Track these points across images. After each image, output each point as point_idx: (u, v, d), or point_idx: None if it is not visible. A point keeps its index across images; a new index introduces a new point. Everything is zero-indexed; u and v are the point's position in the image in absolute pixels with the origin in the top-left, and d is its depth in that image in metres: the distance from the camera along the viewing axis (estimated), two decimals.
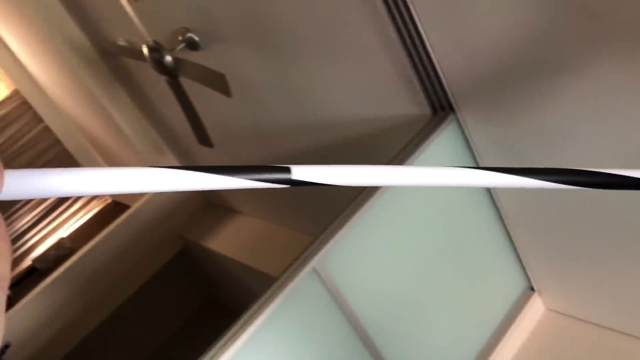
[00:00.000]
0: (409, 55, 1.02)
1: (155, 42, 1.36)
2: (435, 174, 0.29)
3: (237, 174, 0.26)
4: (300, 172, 0.27)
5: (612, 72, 0.81)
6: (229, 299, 2.18)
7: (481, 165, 1.19)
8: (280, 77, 1.33)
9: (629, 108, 0.84)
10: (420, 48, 1.00)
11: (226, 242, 1.98)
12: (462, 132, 1.11)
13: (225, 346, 0.89)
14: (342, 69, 1.17)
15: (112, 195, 3.03)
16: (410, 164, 1.05)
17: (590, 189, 0.37)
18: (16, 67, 2.60)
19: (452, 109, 1.08)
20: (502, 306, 1.34)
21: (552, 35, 0.83)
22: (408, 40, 1.00)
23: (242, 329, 0.91)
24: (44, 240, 2.99)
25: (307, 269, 0.96)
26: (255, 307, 0.93)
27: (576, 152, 0.97)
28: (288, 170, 0.27)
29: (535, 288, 1.36)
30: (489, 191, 1.22)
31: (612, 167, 0.37)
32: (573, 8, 0.78)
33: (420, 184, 0.29)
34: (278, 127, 1.51)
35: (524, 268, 1.34)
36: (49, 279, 2.00)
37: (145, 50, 1.38)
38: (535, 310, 1.37)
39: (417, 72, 1.04)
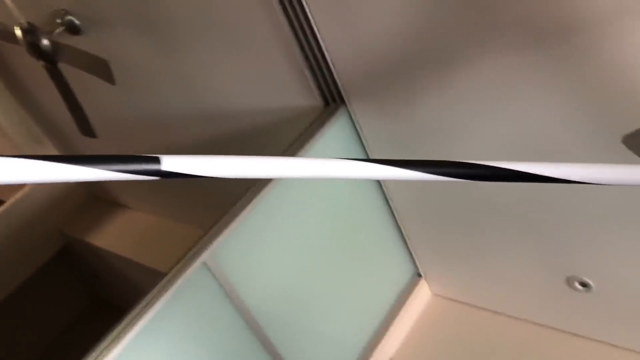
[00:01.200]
0: (301, 47, 1.02)
1: (29, 24, 1.26)
2: (310, 165, 0.29)
3: (99, 164, 0.23)
4: (172, 163, 0.25)
5: (498, 68, 0.85)
6: (118, 297, 2.08)
7: (371, 157, 1.21)
8: (171, 65, 1.28)
9: (512, 102, 0.89)
10: (312, 40, 1.00)
11: (112, 237, 1.88)
12: (353, 124, 1.13)
13: (109, 347, 0.85)
14: (235, 60, 1.15)
15: None
16: (302, 156, 1.05)
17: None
18: None
19: (343, 101, 1.09)
20: (391, 293, 1.39)
21: (440, 31, 0.86)
22: (300, 32, 1.00)
23: (127, 328, 0.86)
24: None
25: (198, 263, 0.93)
26: (141, 305, 0.89)
27: (463, 144, 1.01)
28: (157, 161, 0.25)
29: (422, 274, 1.42)
30: (379, 182, 1.25)
31: (498, 159, 0.38)
32: (461, 3, 0.81)
33: (296, 175, 0.28)
34: (170, 117, 1.46)
35: (412, 255, 1.39)
36: None
37: (18, 32, 1.27)
38: (423, 295, 1.42)
39: (309, 64, 1.04)
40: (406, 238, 1.34)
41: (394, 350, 1.35)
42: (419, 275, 1.42)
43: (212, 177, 0.27)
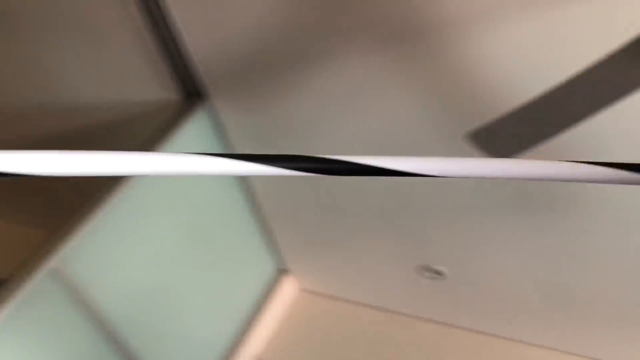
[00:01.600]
0: (160, 39, 0.98)
1: None
2: (154, 160, 0.27)
3: None
4: None
5: (356, 67, 0.88)
6: None
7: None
8: (18, 54, 1.17)
9: (367, 100, 0.92)
10: (171, 32, 0.97)
11: None
12: (215, 120, 1.10)
13: None
14: (88, 50, 1.07)
15: None
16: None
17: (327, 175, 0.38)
18: None
19: (205, 95, 1.07)
20: (257, 290, 1.38)
21: (301, 28, 0.87)
22: (160, 23, 0.96)
23: None
24: None
25: (46, 269, 0.86)
26: None
27: (326, 141, 1.03)
28: None
29: (289, 270, 1.43)
30: (242, 178, 1.24)
31: (357, 154, 0.38)
32: (317, 4, 0.82)
33: (139, 171, 0.27)
34: (19, 110, 1.33)
35: (277, 251, 1.39)
36: None
37: None
38: (290, 291, 1.43)
39: (169, 56, 1.01)
40: (271, 233, 1.34)
41: (261, 347, 1.35)
42: (286, 271, 1.43)
43: (41, 176, 0.24)
